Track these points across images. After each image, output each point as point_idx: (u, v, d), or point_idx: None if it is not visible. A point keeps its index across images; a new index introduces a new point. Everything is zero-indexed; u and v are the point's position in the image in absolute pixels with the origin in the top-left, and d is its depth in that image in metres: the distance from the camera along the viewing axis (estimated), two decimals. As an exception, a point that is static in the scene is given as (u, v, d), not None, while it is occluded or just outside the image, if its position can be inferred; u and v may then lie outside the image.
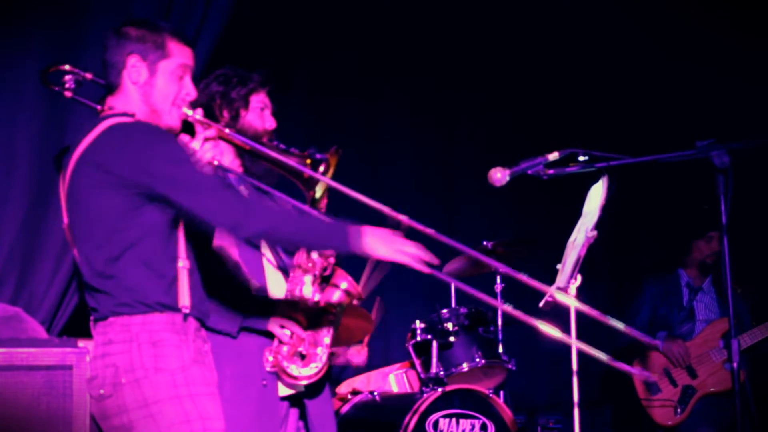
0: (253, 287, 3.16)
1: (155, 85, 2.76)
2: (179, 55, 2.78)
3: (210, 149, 2.85)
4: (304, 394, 3.23)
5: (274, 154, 2.94)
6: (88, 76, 2.97)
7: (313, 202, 3.01)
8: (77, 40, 4.10)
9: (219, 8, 4.32)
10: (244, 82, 3.27)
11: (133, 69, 2.75)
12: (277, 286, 3.22)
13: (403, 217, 2.81)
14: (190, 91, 2.81)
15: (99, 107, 2.83)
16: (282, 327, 3.12)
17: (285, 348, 3.13)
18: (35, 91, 4.05)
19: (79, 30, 4.13)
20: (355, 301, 3.32)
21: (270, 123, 3.30)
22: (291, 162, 2.95)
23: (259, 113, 3.28)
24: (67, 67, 2.99)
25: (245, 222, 2.64)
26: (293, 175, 2.98)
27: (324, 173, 2.95)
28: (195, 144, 2.83)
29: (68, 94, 2.97)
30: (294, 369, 3.12)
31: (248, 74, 3.29)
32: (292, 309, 3.14)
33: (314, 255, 3.22)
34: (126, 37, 2.76)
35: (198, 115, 2.85)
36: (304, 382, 3.16)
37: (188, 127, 2.87)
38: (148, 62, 2.75)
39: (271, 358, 3.10)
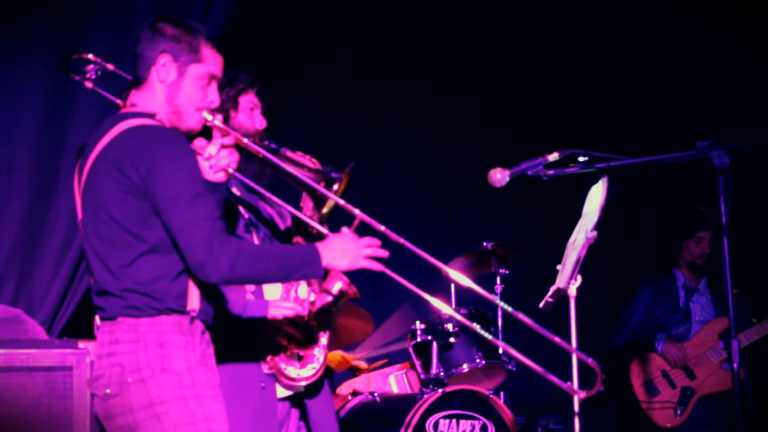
0: (247, 290, 3.14)
1: (182, 87, 2.72)
2: (210, 63, 2.75)
3: (226, 156, 2.78)
4: (303, 395, 3.22)
5: (289, 169, 2.89)
6: (110, 67, 2.93)
7: (322, 219, 2.99)
8: (79, 41, 4.10)
9: (220, 9, 4.32)
10: (233, 83, 3.23)
11: (163, 68, 2.71)
12: (271, 288, 3.21)
13: (356, 211, 2.79)
14: (215, 98, 2.78)
15: (120, 101, 2.79)
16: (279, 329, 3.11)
17: None
18: (36, 93, 4.06)
19: (80, 30, 4.13)
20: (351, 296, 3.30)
21: (260, 123, 3.26)
22: (305, 178, 2.90)
23: (249, 113, 3.25)
24: (90, 56, 2.94)
25: (206, 269, 2.56)
26: (306, 190, 2.95)
27: (336, 192, 2.91)
28: (211, 149, 2.76)
29: (89, 84, 2.92)
30: (292, 371, 3.12)
31: (236, 74, 3.25)
32: (288, 311, 3.13)
33: None
34: (161, 34, 2.72)
35: (218, 121, 2.80)
36: (303, 383, 3.16)
37: (205, 131, 2.83)
38: (179, 63, 2.71)
39: (268, 360, 3.10)
